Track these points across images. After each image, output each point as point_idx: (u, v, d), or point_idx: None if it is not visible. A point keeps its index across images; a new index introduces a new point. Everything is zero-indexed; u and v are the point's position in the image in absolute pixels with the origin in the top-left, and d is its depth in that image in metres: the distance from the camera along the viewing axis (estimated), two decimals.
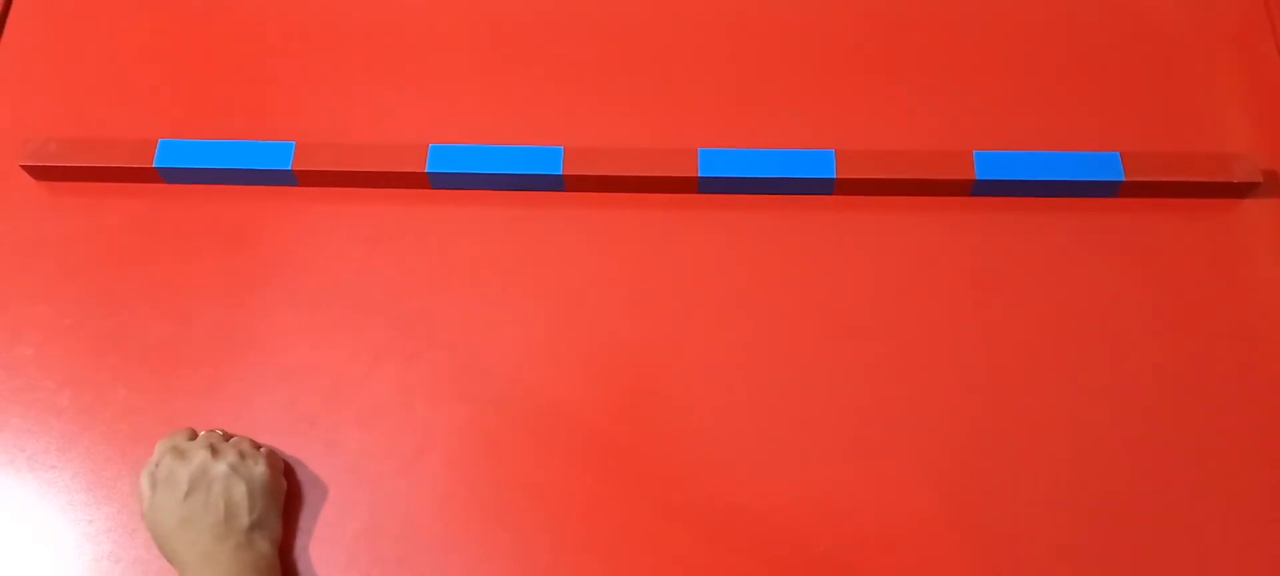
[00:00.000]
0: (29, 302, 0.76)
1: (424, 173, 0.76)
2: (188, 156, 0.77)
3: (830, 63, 0.82)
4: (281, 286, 0.76)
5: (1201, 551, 0.66)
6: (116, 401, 0.73)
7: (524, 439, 0.70)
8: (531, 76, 0.82)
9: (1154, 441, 0.69)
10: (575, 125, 0.79)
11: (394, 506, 0.69)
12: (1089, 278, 0.73)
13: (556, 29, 0.83)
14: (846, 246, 0.75)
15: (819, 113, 0.79)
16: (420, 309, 0.74)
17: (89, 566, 0.68)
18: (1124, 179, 0.74)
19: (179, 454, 0.65)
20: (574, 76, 0.82)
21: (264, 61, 0.84)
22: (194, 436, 0.68)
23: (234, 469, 0.65)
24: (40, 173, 0.79)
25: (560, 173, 0.76)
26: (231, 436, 0.69)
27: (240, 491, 0.64)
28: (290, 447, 0.70)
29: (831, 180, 0.75)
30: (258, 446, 0.68)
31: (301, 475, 0.70)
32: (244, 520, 0.63)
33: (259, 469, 0.66)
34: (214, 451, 0.65)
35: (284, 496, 0.68)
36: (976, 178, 0.74)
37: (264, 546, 0.64)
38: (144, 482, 0.65)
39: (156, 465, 0.66)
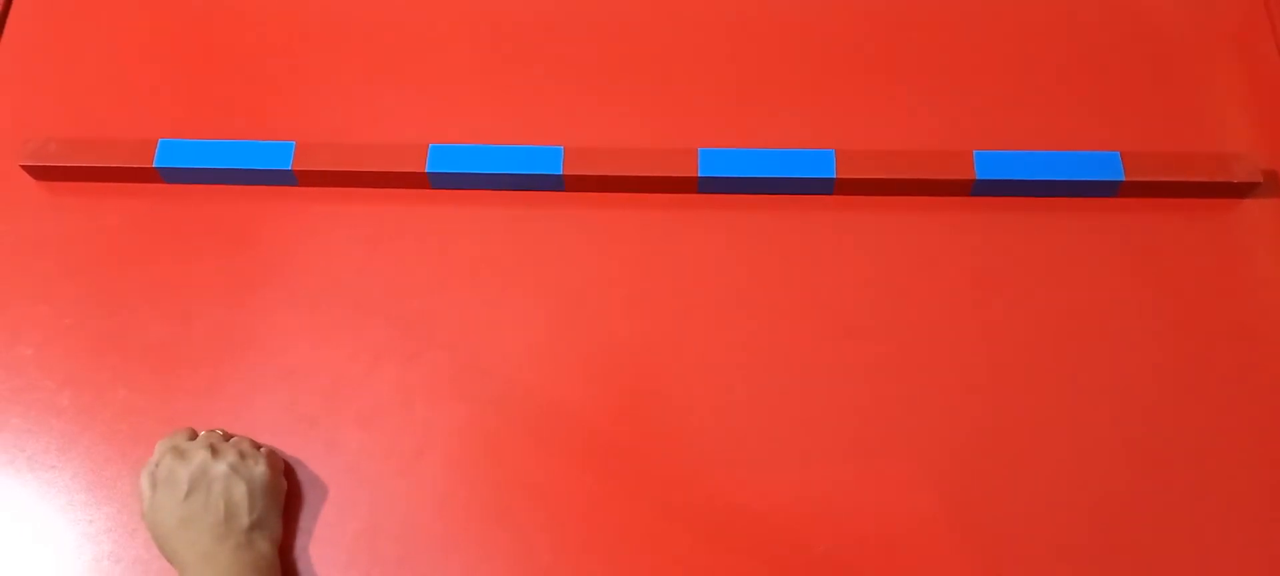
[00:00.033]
0: (29, 302, 0.76)
1: (424, 173, 0.76)
2: (188, 156, 0.77)
3: (830, 63, 0.82)
4: (281, 286, 0.76)
5: (1201, 551, 0.66)
6: (116, 401, 0.73)
7: (524, 439, 0.70)
8: (531, 76, 0.82)
9: (1154, 441, 0.69)
10: (575, 125, 0.79)
11: (394, 506, 0.69)
12: (1089, 278, 0.73)
13: (556, 29, 0.83)
14: (846, 246, 0.75)
15: (819, 113, 0.79)
16: (420, 309, 0.74)
17: (89, 566, 0.68)
18: (1124, 179, 0.74)
19: (179, 454, 0.65)
20: (574, 76, 0.82)
21: (264, 61, 0.84)
22: (194, 436, 0.68)
23: (234, 469, 0.65)
24: (40, 173, 0.79)
25: (560, 173, 0.76)
26: (231, 436, 0.69)
27: (240, 491, 0.64)
28: (290, 447, 0.70)
29: (831, 180, 0.75)
30: (258, 446, 0.68)
31: (301, 475, 0.70)
32: (244, 520, 0.63)
33: (259, 469, 0.66)
34: (214, 451, 0.65)
35: (284, 496, 0.68)
36: (977, 178, 0.74)
37: (264, 546, 0.64)
38: (144, 482, 0.66)
39: (156, 465, 0.66)
